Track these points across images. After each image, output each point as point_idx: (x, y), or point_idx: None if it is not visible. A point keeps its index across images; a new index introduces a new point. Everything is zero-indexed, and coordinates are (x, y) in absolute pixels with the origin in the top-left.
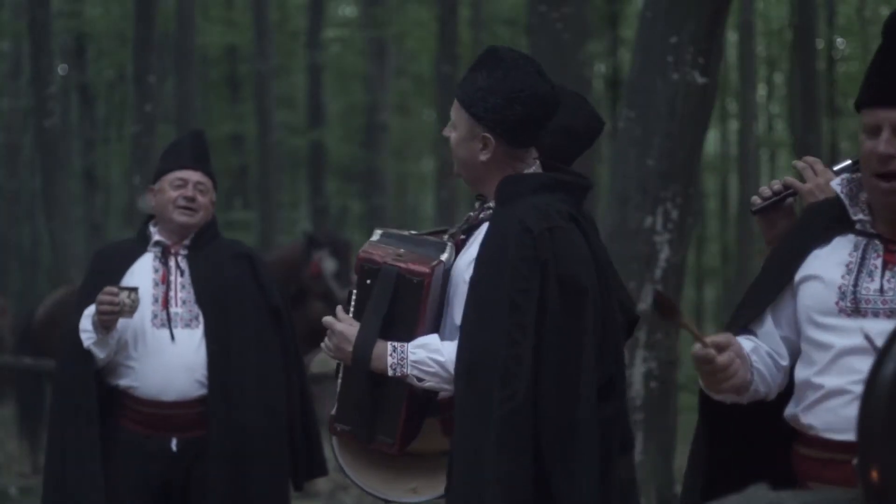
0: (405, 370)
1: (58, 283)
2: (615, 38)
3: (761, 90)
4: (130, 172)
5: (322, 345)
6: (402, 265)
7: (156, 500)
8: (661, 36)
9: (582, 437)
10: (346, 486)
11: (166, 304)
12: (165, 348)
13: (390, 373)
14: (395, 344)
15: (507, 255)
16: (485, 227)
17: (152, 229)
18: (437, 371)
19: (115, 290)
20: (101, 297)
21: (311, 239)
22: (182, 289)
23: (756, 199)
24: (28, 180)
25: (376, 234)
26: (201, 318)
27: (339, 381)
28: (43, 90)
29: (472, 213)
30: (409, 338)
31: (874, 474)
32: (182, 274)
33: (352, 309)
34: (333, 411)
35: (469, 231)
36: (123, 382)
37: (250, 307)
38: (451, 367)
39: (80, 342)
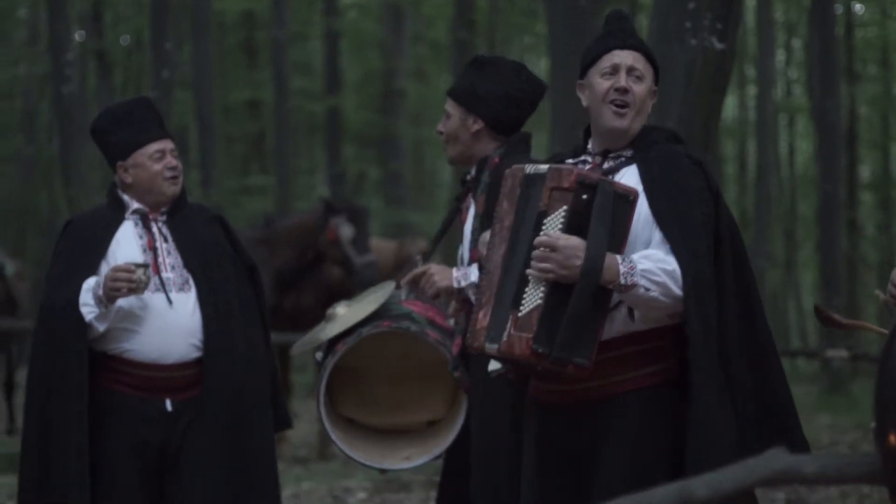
0: (634, 279)
1: None
2: (633, 3)
3: (780, 56)
4: None
5: (536, 267)
6: (616, 184)
7: (152, 464)
8: (679, 1)
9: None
10: None
11: (157, 269)
12: (164, 313)
13: (621, 281)
14: (620, 255)
15: (689, 184)
16: (623, 173)
17: (126, 197)
18: (665, 281)
19: (131, 266)
20: (117, 274)
21: (328, 205)
22: (168, 254)
23: None
24: (45, 146)
25: (530, 167)
26: (192, 283)
27: (541, 301)
28: (60, 56)
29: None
30: (619, 253)
31: (892, 438)
32: (166, 240)
33: (560, 224)
34: (481, 339)
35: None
36: (120, 347)
37: (230, 268)
38: (679, 277)
39: (74, 315)
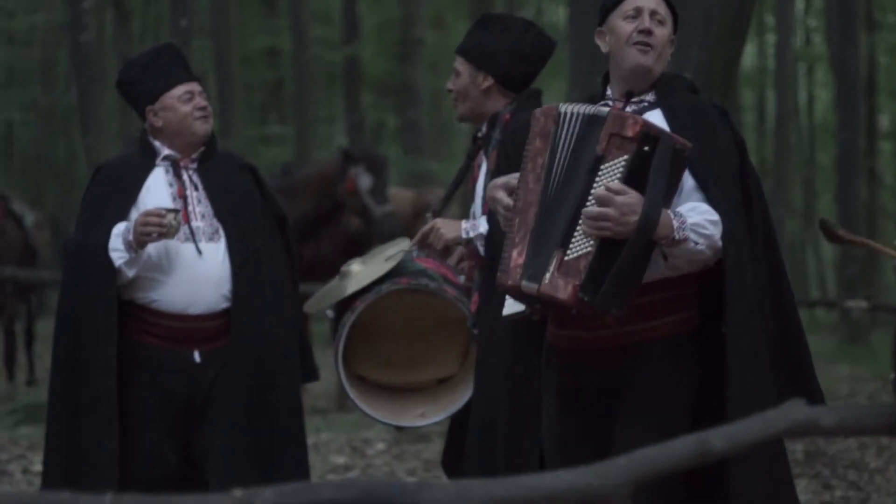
0: (685, 233)
1: None
2: None
3: (799, 3)
4: None
5: (591, 225)
6: (674, 138)
7: (180, 413)
8: None
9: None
10: None
11: (187, 218)
12: (193, 263)
13: (674, 236)
14: (672, 209)
15: (718, 133)
16: (651, 115)
17: (157, 143)
18: (711, 233)
19: (162, 211)
20: (147, 218)
21: (346, 155)
22: (199, 203)
23: None
24: (63, 95)
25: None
26: (222, 232)
27: (591, 249)
28: (78, 5)
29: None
30: (668, 206)
31: None
32: (196, 188)
33: (619, 174)
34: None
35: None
36: (147, 296)
37: (260, 218)
38: (720, 227)
39: (103, 260)
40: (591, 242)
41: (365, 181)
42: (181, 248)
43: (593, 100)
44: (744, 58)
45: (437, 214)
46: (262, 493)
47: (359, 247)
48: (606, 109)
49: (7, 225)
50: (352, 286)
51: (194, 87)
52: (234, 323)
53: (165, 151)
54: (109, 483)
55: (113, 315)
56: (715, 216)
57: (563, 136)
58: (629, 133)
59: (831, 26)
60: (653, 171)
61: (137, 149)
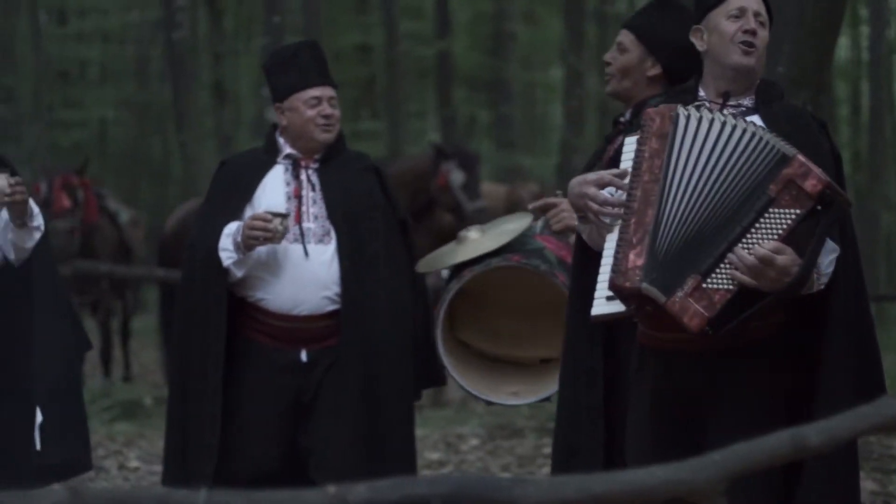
0: (821, 281)
1: (188, 195)
2: None
3: None
4: (259, 84)
5: (746, 265)
6: (842, 195)
7: (287, 412)
8: None
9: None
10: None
11: (299, 218)
12: (299, 264)
13: (814, 290)
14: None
15: (820, 146)
16: (751, 119)
17: (281, 140)
18: (833, 259)
19: (268, 216)
20: (253, 222)
21: (438, 150)
22: (314, 204)
23: None
24: (158, 93)
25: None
26: (333, 234)
27: (732, 288)
28: (172, 3)
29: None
30: None
31: None
32: (314, 188)
33: (784, 227)
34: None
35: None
36: (256, 295)
37: (380, 220)
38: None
39: (214, 258)
40: (734, 284)
41: (457, 177)
42: (290, 248)
43: (684, 97)
44: (838, 50)
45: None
46: (355, 488)
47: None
48: (788, 147)
49: (102, 222)
50: (465, 254)
51: (325, 91)
52: (343, 325)
53: (287, 150)
54: (205, 478)
55: (222, 312)
56: (837, 250)
57: (687, 141)
58: (809, 189)
59: None
60: (818, 233)
61: (264, 144)
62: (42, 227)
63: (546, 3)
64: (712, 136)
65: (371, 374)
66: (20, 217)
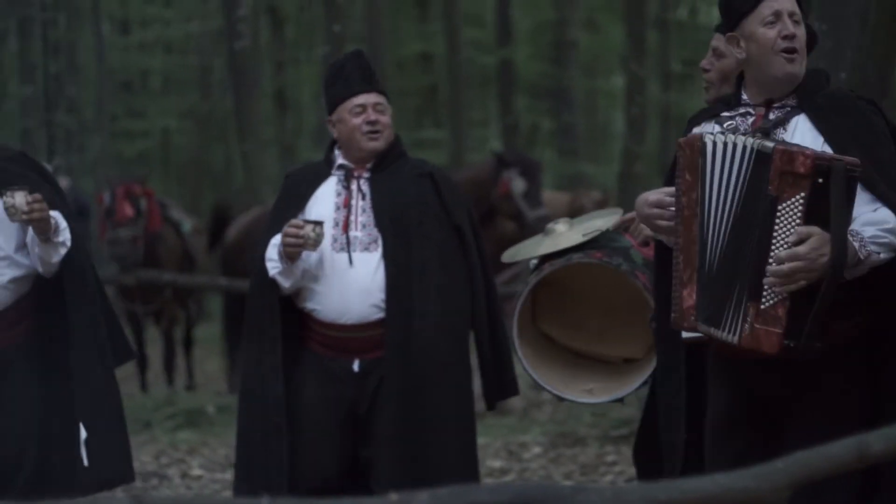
0: (868, 249)
1: (250, 204)
2: None
3: None
4: (321, 93)
5: (784, 282)
6: (842, 160)
7: (344, 420)
8: None
9: None
10: (540, 404)
11: (346, 228)
12: (344, 272)
13: (860, 257)
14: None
15: (873, 127)
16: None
17: (336, 152)
18: (890, 241)
19: (300, 223)
20: (287, 229)
21: (500, 158)
22: (362, 212)
23: None
24: (220, 102)
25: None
26: (380, 242)
27: (786, 294)
28: (233, 12)
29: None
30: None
31: None
32: (363, 197)
33: (798, 215)
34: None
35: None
36: (308, 305)
37: (433, 227)
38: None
39: (265, 269)
40: (785, 291)
41: (518, 185)
42: (335, 257)
43: (729, 103)
44: None
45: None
46: (417, 496)
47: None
48: (767, 144)
49: (165, 231)
50: (547, 246)
51: (369, 98)
52: (388, 333)
53: (340, 160)
54: (280, 489)
55: (276, 323)
56: (891, 222)
57: (714, 170)
58: (801, 170)
59: None
60: (833, 204)
61: (324, 156)
62: (68, 242)
63: (607, 10)
64: (728, 161)
65: (421, 382)
66: (43, 233)
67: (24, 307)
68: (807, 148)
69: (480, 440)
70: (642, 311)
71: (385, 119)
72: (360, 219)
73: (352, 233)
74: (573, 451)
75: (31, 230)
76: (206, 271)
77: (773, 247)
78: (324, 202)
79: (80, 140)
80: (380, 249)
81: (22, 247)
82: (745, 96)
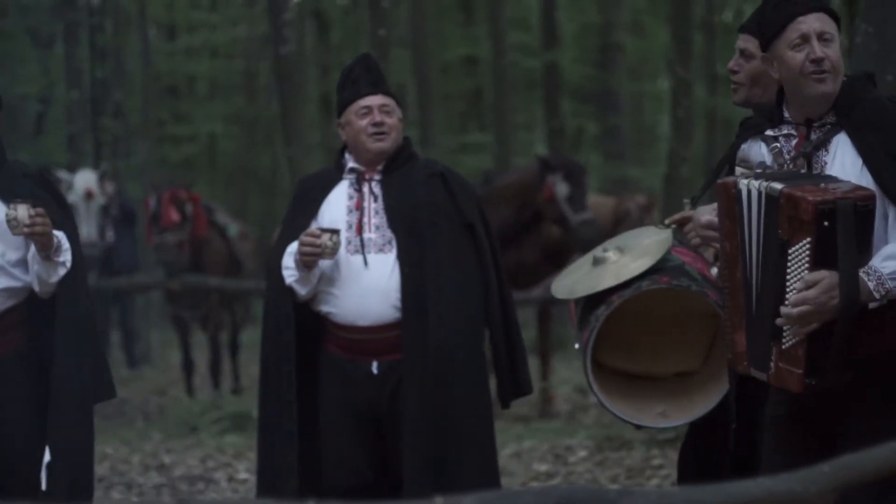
0: (886, 286)
1: None
2: None
3: None
4: None
5: (796, 325)
6: (852, 196)
7: (365, 422)
8: None
9: None
10: (586, 407)
11: (360, 230)
12: (359, 274)
13: (876, 297)
14: (863, 270)
15: None
16: (836, 143)
17: (347, 156)
18: None
19: (317, 232)
20: (303, 238)
21: (544, 162)
22: (375, 214)
23: None
24: (265, 107)
25: (753, 182)
26: (394, 243)
27: (803, 338)
28: (279, 17)
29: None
30: (866, 261)
31: None
32: (375, 199)
33: (806, 258)
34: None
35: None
36: (325, 308)
37: (445, 226)
38: None
39: (281, 277)
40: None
41: (562, 189)
42: (350, 259)
43: (773, 120)
44: None
45: (695, 202)
46: (463, 499)
47: (559, 255)
48: (776, 187)
49: (211, 236)
50: (609, 279)
51: (374, 100)
52: (404, 333)
53: (350, 164)
54: (292, 493)
55: (291, 329)
56: None
57: (747, 216)
58: (804, 216)
59: None
60: (840, 244)
61: (335, 161)
62: (68, 264)
63: (653, 13)
64: (754, 206)
65: (442, 387)
66: (44, 249)
67: (14, 319)
68: (809, 189)
69: (526, 444)
70: (699, 318)
71: (391, 121)
72: (373, 221)
73: (366, 235)
74: (619, 455)
75: (33, 247)
76: (253, 275)
77: (787, 288)
78: (336, 206)
79: (127, 145)
80: (394, 250)
81: (22, 262)
82: (786, 114)
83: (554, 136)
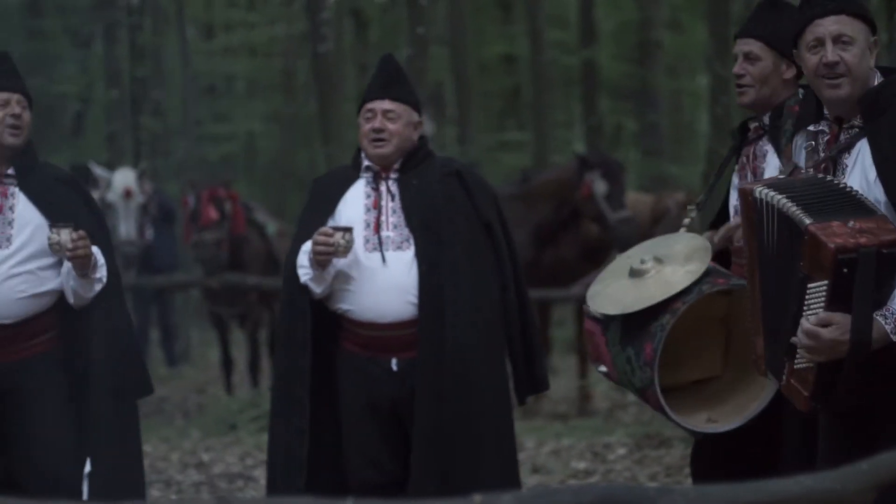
0: None
1: None
2: None
3: None
4: None
5: (806, 354)
6: (878, 242)
7: (387, 419)
8: None
9: None
10: (625, 405)
11: (378, 228)
12: (378, 272)
13: (893, 339)
14: (880, 312)
15: None
16: (859, 148)
17: (363, 154)
18: None
19: (330, 231)
20: (316, 237)
21: (582, 160)
22: (393, 213)
23: None
24: (304, 105)
25: (785, 201)
26: (412, 241)
27: (814, 365)
28: (317, 15)
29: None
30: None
31: None
32: (393, 198)
33: (822, 298)
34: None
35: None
36: (342, 306)
37: (462, 224)
38: None
39: (296, 275)
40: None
41: (600, 187)
42: (369, 257)
43: (807, 118)
44: None
45: (700, 206)
46: (501, 497)
47: (598, 253)
48: (805, 220)
49: (250, 234)
50: (660, 288)
51: (382, 105)
52: (422, 331)
53: (366, 163)
54: (297, 489)
55: (307, 328)
56: None
57: (765, 227)
58: (825, 262)
59: None
60: (856, 291)
61: (352, 160)
62: (104, 279)
63: (691, 10)
64: (775, 218)
65: (459, 383)
66: (82, 269)
67: (45, 323)
68: (834, 232)
69: (565, 441)
70: (714, 323)
71: (393, 127)
72: (390, 219)
73: (383, 233)
74: (658, 453)
75: (67, 262)
76: None
77: (803, 316)
78: (353, 205)
79: (166, 144)
80: (412, 248)
81: (52, 267)
82: (825, 110)
83: (592, 133)
